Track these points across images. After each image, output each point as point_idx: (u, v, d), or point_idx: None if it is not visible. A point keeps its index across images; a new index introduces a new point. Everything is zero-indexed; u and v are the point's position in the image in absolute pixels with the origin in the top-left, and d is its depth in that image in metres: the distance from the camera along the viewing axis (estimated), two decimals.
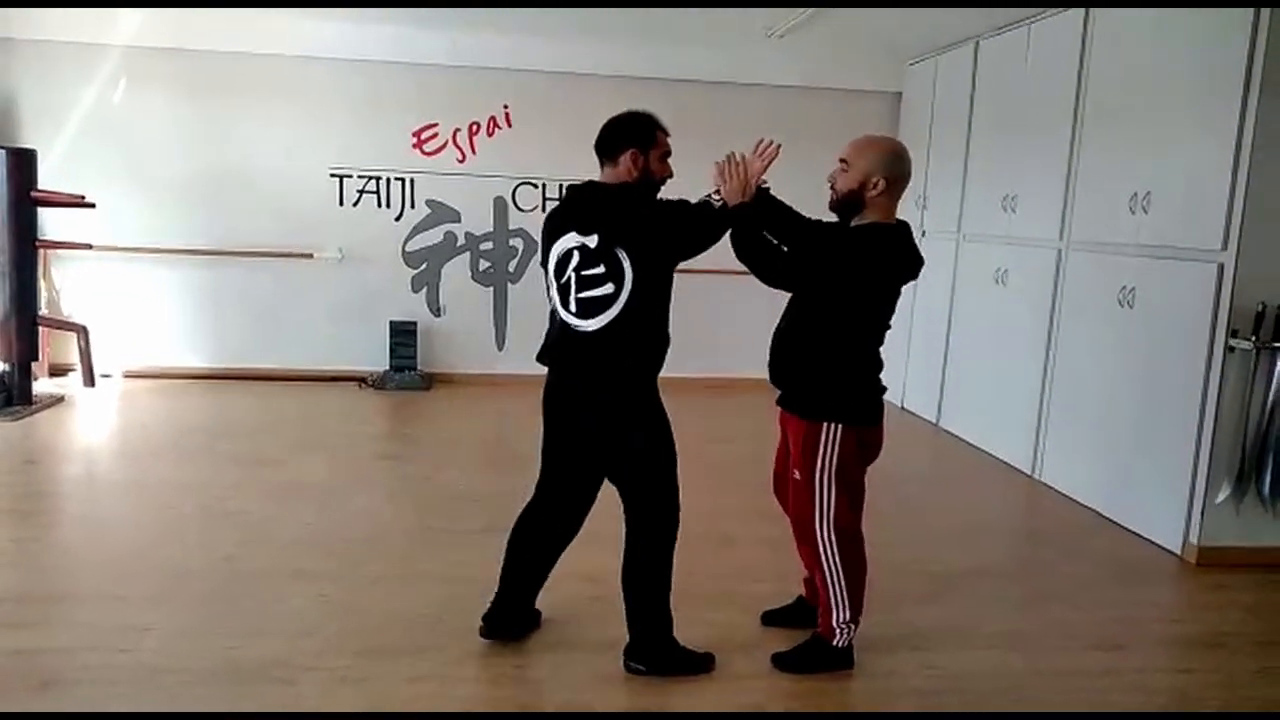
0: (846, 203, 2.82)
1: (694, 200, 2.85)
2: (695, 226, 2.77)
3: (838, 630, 2.94)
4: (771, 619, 3.24)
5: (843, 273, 2.74)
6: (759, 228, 2.83)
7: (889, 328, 2.91)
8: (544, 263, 2.85)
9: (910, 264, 2.83)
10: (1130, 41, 4.63)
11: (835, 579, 2.89)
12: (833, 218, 2.91)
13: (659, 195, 2.82)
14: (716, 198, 2.83)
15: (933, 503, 4.90)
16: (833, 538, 2.87)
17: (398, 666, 2.89)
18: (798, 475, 2.90)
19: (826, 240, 2.84)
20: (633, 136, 2.77)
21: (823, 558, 2.89)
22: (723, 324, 7.02)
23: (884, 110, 7.42)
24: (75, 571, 3.57)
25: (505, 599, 3.06)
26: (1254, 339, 3.87)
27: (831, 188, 2.86)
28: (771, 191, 2.92)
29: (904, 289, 2.92)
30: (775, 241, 2.89)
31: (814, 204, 3.04)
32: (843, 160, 2.83)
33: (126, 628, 3.05)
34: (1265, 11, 3.76)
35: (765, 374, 3.02)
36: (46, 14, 6.44)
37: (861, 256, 2.74)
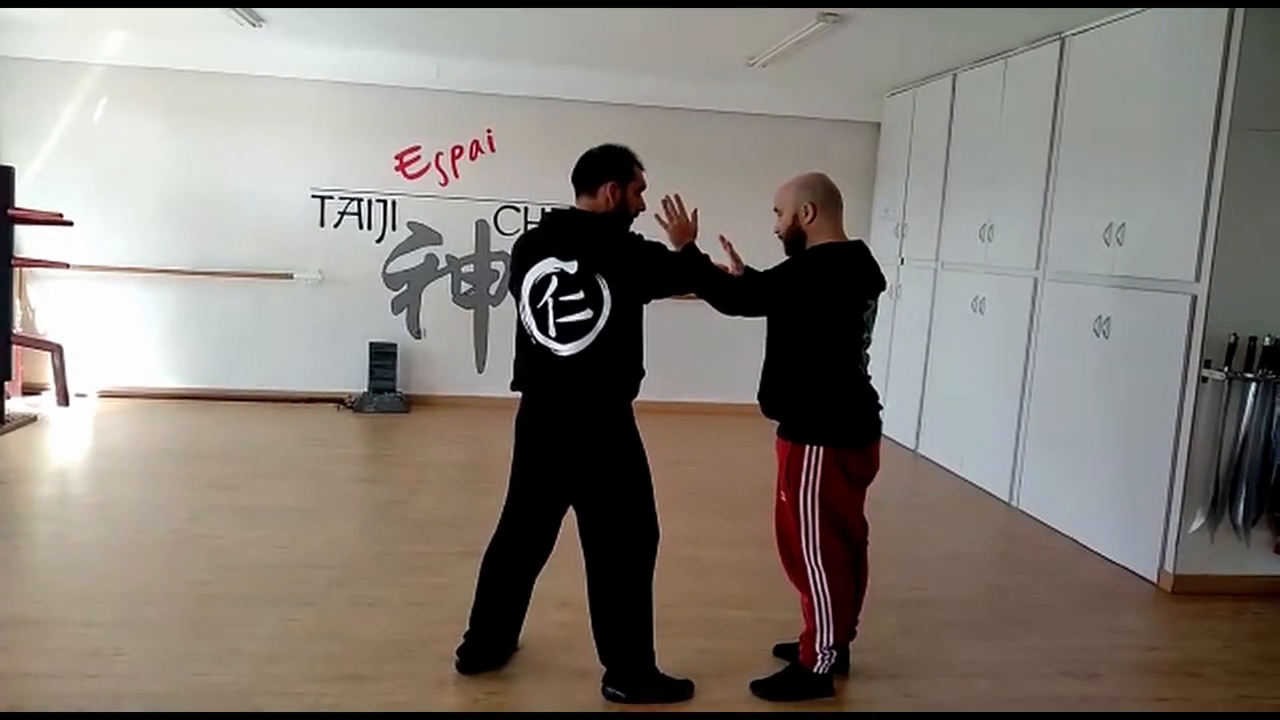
0: (792, 240, 2.95)
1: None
2: (673, 267, 2.83)
3: (820, 655, 2.93)
4: (783, 652, 3.19)
5: (794, 290, 2.82)
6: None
7: (865, 344, 2.94)
8: (515, 287, 2.87)
9: (864, 278, 2.88)
10: (1104, 76, 4.71)
11: (823, 602, 2.89)
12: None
13: (631, 228, 2.87)
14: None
15: (910, 529, 4.91)
16: (819, 561, 2.87)
17: (369, 693, 2.85)
18: (783, 497, 2.93)
19: (780, 266, 2.91)
20: (612, 170, 2.82)
21: (810, 581, 2.90)
22: (707, 350, 7.03)
23: (863, 140, 7.51)
24: (44, 595, 3.50)
25: (481, 633, 3.03)
26: (1226, 370, 3.92)
27: (778, 235, 2.98)
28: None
29: (882, 313, 2.96)
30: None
31: None
32: (775, 209, 2.97)
33: (95, 653, 3.00)
34: (1235, 49, 3.85)
35: (748, 400, 3.03)
36: (28, 31, 6.43)
37: (808, 272, 2.84)
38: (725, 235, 3.06)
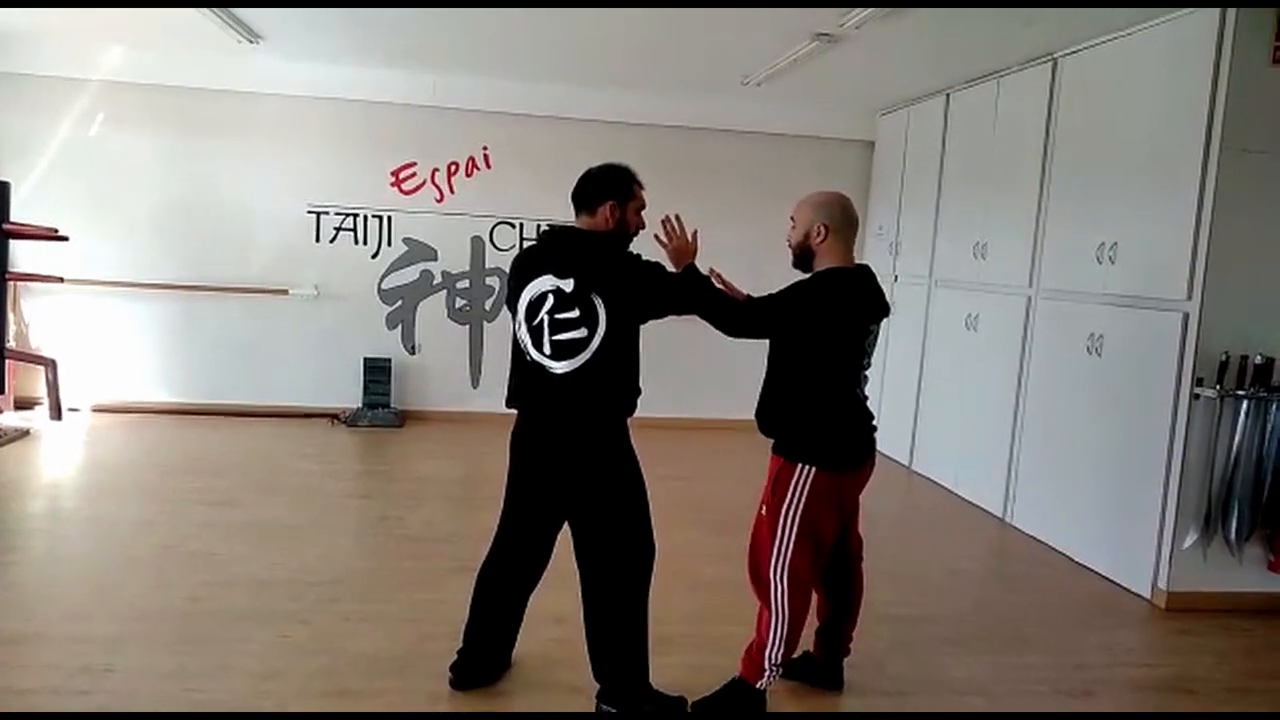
0: (800, 256, 2.96)
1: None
2: (670, 288, 2.83)
3: (768, 670, 2.91)
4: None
5: (796, 315, 2.82)
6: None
7: (865, 368, 2.94)
8: (512, 304, 2.87)
9: (867, 304, 2.88)
10: (1096, 96, 4.75)
11: (780, 620, 2.88)
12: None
13: (630, 247, 2.88)
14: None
15: (904, 546, 4.91)
16: (784, 581, 2.86)
17: (364, 708, 2.85)
18: (764, 511, 2.92)
19: (784, 290, 2.90)
20: (612, 189, 2.83)
21: (772, 598, 2.89)
22: (705, 366, 7.03)
23: (857, 158, 7.56)
24: (37, 611, 3.49)
25: (474, 650, 3.03)
26: (1218, 387, 3.94)
27: (789, 245, 2.99)
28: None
29: (880, 333, 2.98)
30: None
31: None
32: (791, 219, 2.98)
33: (87, 669, 2.99)
34: (1225, 70, 3.90)
35: (745, 416, 3.03)
36: (25, 46, 6.44)
37: (811, 298, 2.83)
38: (719, 242, 3.04)
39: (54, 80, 6.63)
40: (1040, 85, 5.18)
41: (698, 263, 2.91)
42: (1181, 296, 4.06)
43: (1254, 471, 4.00)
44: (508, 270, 3.02)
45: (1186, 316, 4.04)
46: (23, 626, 3.32)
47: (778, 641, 2.89)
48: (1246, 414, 3.97)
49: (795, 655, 3.04)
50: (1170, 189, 4.15)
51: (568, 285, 2.72)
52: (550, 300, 2.74)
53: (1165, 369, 4.12)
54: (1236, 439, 4.00)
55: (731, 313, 2.86)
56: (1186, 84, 4.08)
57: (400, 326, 7.31)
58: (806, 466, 2.83)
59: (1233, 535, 4.03)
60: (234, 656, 3.14)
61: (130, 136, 6.81)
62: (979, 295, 5.76)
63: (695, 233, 2.95)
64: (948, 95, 6.26)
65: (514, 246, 7.19)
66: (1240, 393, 3.96)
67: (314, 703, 2.86)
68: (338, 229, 7.15)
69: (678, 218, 2.93)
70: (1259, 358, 3.94)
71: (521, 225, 7.28)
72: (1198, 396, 4.00)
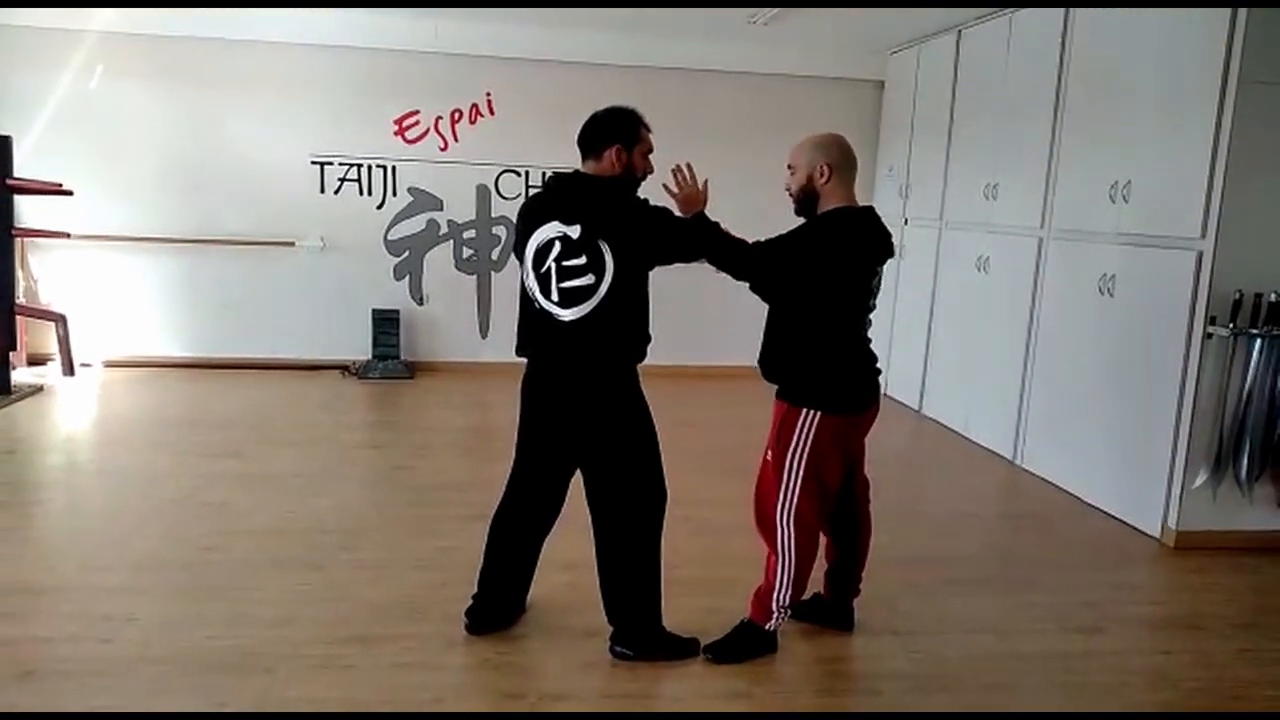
0: (804, 200, 2.90)
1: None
2: (678, 234, 2.79)
3: (776, 612, 2.94)
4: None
5: (808, 256, 2.78)
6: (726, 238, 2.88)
7: (870, 310, 2.92)
8: (519, 251, 2.85)
9: (874, 245, 2.85)
10: (1111, 31, 4.65)
11: (787, 563, 2.90)
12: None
13: (639, 191, 2.83)
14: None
15: (915, 489, 4.93)
16: (790, 524, 2.88)
17: (379, 654, 2.89)
18: (769, 456, 2.93)
19: (793, 231, 2.86)
20: (618, 133, 2.78)
21: (779, 541, 2.91)
22: (713, 313, 7.00)
23: (866, 99, 7.44)
24: (55, 562, 3.54)
25: (489, 595, 3.06)
26: (1231, 326, 3.91)
27: (789, 193, 2.93)
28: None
29: (886, 274, 2.96)
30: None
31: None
32: (789, 166, 2.92)
33: (107, 618, 3.04)
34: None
35: (746, 362, 3.03)
36: None
37: (823, 239, 2.80)
38: (728, 187, 2.98)
39: (52, 32, 6.53)
40: (1053, 20, 5.05)
41: (707, 211, 2.87)
42: (1195, 235, 4.01)
43: (1266, 411, 3.98)
44: (514, 219, 2.98)
45: (1200, 255, 4.00)
46: (44, 577, 3.37)
47: (785, 585, 2.92)
48: (1260, 353, 3.94)
49: (806, 596, 3.08)
50: (1186, 125, 4.07)
51: (574, 232, 2.69)
52: (557, 247, 2.72)
53: (1178, 308, 4.08)
54: (1249, 378, 3.98)
55: (742, 257, 2.83)
56: (1204, 16, 3.98)
57: (408, 277, 7.30)
58: (811, 411, 2.82)
59: (1243, 475, 4.03)
60: (250, 604, 3.18)
61: (131, 88, 6.74)
62: (990, 237, 5.70)
63: (705, 181, 2.90)
64: (959, 32, 6.13)
65: (520, 195, 7.13)
66: (1254, 331, 3.93)
67: (330, 648, 2.90)
68: (342, 180, 7.10)
69: (688, 166, 2.87)
70: (1273, 295, 3.90)
71: (527, 173, 7.21)
72: (1210, 336, 3.97)
